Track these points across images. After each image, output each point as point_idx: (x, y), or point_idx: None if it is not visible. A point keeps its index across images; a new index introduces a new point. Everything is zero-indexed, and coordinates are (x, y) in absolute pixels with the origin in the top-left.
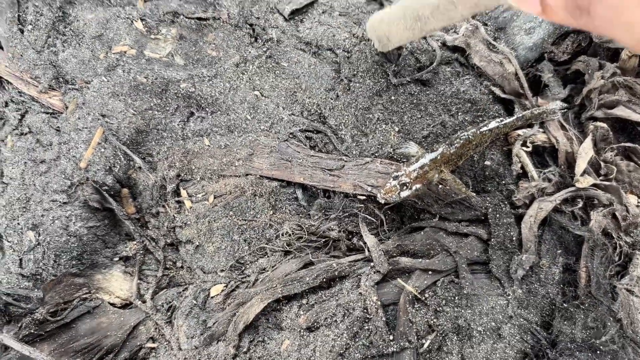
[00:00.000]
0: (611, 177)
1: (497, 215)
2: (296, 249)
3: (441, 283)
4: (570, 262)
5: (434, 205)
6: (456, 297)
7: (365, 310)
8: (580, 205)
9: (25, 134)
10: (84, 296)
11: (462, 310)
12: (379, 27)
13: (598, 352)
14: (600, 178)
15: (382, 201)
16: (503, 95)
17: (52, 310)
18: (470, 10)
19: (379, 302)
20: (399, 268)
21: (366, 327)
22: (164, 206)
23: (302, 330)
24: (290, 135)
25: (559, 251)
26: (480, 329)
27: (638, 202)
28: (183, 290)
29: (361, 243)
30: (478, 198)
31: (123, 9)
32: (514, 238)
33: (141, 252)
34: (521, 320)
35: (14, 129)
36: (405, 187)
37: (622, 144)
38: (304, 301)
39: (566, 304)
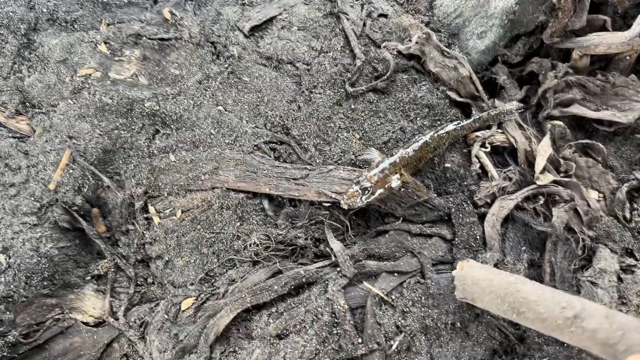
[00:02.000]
0: (571, 173)
1: (460, 215)
2: (264, 258)
3: (407, 284)
4: (535, 258)
5: (398, 208)
6: (423, 298)
7: (333, 315)
8: (541, 202)
9: None
10: (57, 317)
11: (429, 310)
12: (470, 288)
13: (565, 344)
14: (561, 175)
15: (346, 207)
16: (459, 99)
17: (25, 333)
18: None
19: (347, 306)
20: (365, 272)
21: (335, 332)
22: (133, 223)
23: (272, 339)
24: (255, 148)
25: (523, 248)
26: (448, 328)
27: (599, 197)
28: (155, 306)
29: (328, 249)
30: (440, 199)
31: (87, 33)
32: (478, 237)
33: (112, 270)
34: (488, 317)
35: None
36: (367, 192)
37: (580, 140)
38: (273, 309)
39: None
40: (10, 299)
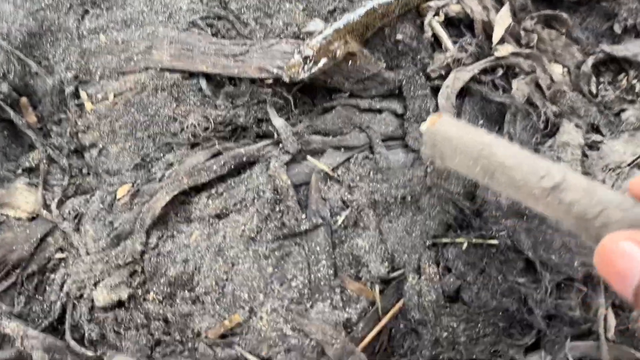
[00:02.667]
0: (532, 45)
1: (412, 88)
2: (203, 140)
3: (355, 159)
4: (494, 132)
5: (345, 83)
6: (371, 172)
7: (275, 192)
8: (500, 74)
9: None
10: None
11: (378, 185)
12: (440, 144)
13: (525, 217)
14: (522, 48)
15: (287, 79)
16: None
17: None
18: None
19: (289, 182)
20: (310, 148)
21: (277, 209)
22: (65, 112)
23: (211, 219)
24: (191, 24)
25: (481, 122)
26: (398, 202)
27: (563, 72)
28: (90, 197)
29: (271, 129)
30: (391, 72)
31: None
32: (431, 110)
33: (45, 162)
34: (441, 190)
35: None
36: (309, 61)
37: (542, 11)
38: (213, 191)
39: None
40: None
